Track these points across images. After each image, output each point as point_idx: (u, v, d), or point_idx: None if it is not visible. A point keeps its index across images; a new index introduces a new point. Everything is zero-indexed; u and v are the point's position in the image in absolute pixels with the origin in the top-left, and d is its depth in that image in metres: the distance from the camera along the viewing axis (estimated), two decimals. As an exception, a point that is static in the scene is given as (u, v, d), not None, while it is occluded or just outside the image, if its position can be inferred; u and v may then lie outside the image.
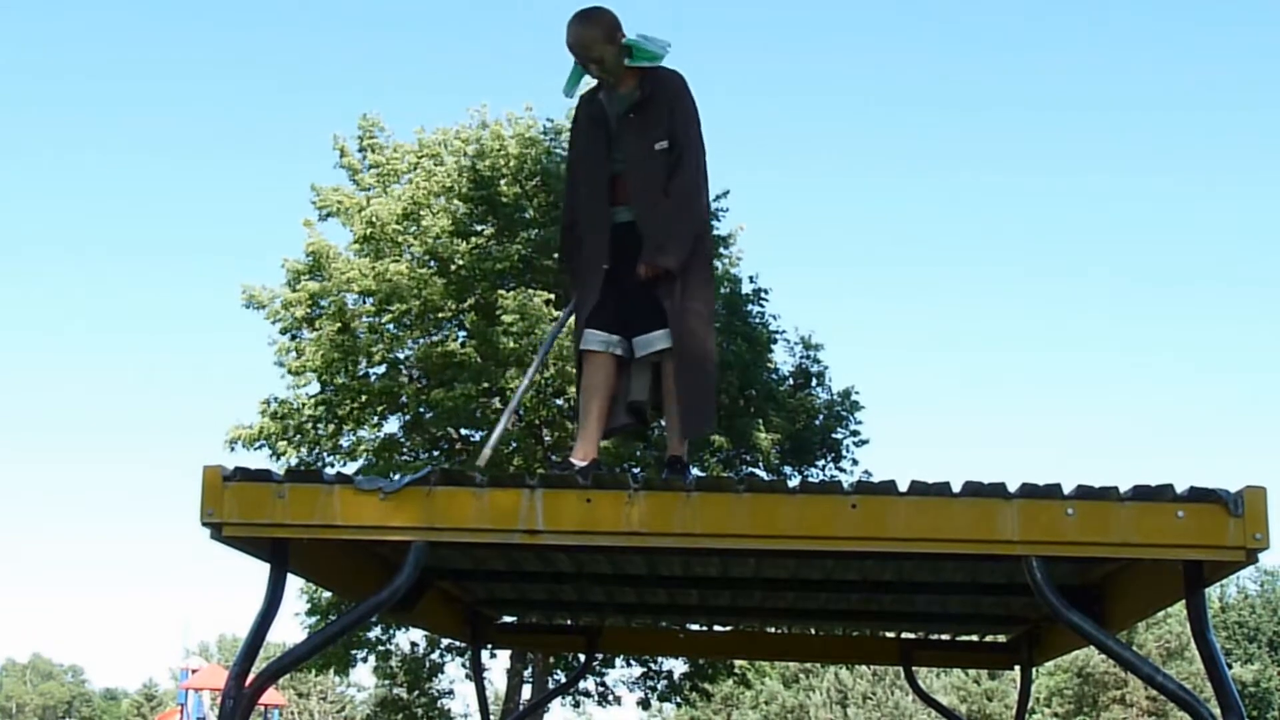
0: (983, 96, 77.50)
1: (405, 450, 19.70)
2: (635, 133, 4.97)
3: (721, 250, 20.02)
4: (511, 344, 17.62)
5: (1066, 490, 3.78)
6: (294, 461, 18.83)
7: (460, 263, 18.73)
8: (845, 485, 3.92)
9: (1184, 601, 3.94)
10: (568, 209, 5.35)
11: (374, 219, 18.78)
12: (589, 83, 5.20)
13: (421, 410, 19.02)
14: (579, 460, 4.83)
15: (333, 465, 19.08)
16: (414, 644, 22.21)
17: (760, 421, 18.97)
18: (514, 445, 18.59)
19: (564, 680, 19.98)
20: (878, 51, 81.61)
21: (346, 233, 19.45)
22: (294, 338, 19.37)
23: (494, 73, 76.05)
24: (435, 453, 19.72)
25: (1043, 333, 78.29)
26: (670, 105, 4.97)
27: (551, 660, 19.74)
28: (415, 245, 19.02)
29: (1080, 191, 74.78)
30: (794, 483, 4.03)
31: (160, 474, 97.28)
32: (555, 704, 32.98)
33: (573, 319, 5.24)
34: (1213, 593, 44.96)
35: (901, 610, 6.18)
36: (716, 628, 7.50)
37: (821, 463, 20.56)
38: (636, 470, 16.00)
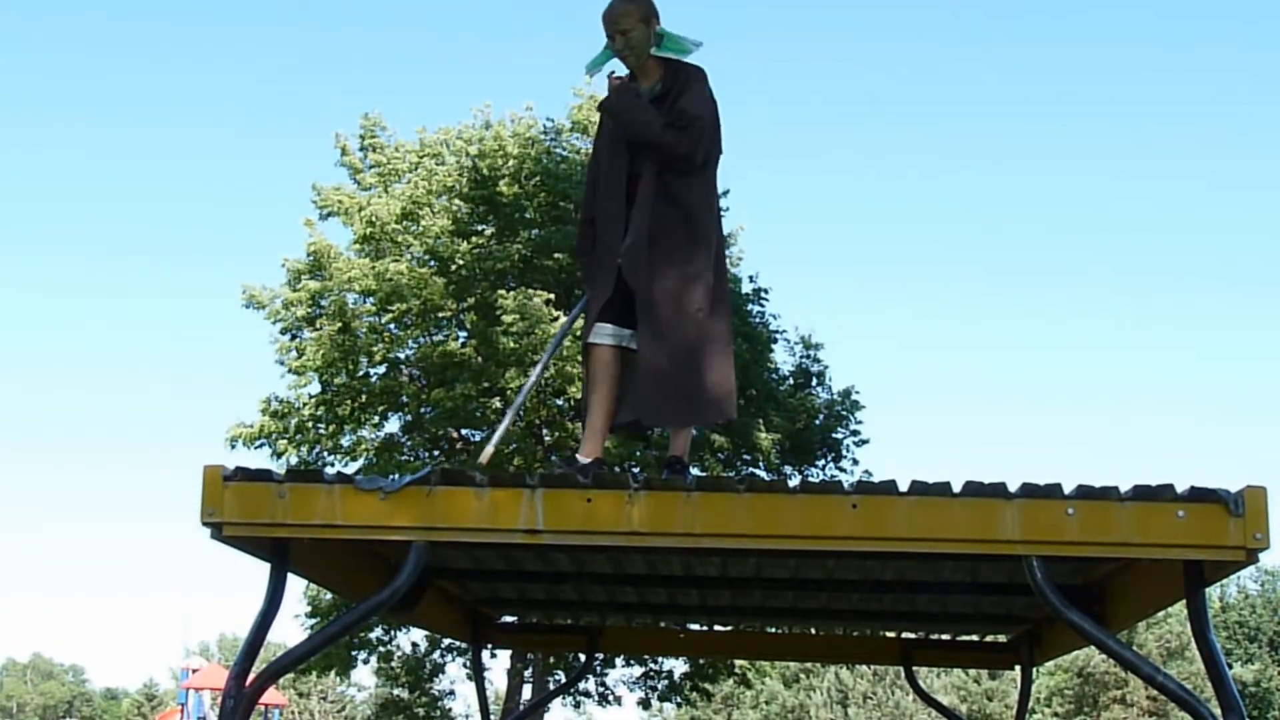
0: (983, 96, 77.55)
1: (405, 450, 19.71)
2: None
3: (722, 250, 20.00)
4: (512, 344, 17.62)
5: (1067, 490, 3.78)
6: (294, 461, 18.85)
7: (460, 262, 18.74)
8: (846, 485, 3.92)
9: (1184, 601, 3.94)
10: (587, 203, 5.30)
11: (374, 219, 18.79)
12: (612, 66, 5.17)
13: (422, 410, 19.04)
14: (584, 458, 4.83)
15: (333, 465, 19.09)
16: (415, 644, 22.24)
17: (760, 421, 18.98)
18: (514, 445, 18.59)
19: (564, 680, 19.98)
20: (878, 51, 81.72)
21: (347, 232, 19.49)
22: (294, 337, 19.38)
23: (496, 72, 76.10)
24: (435, 452, 19.73)
25: (1043, 333, 78.33)
26: (681, 90, 4.97)
27: (552, 660, 19.74)
28: (416, 245, 19.03)
29: (1081, 190, 74.85)
30: (794, 482, 4.03)
31: (160, 474, 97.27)
32: (556, 704, 33.03)
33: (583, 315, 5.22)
34: (1213, 592, 44.99)
35: (902, 610, 6.18)
36: (717, 627, 7.50)
37: (822, 462, 20.58)
38: (637, 470, 16.00)
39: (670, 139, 4.88)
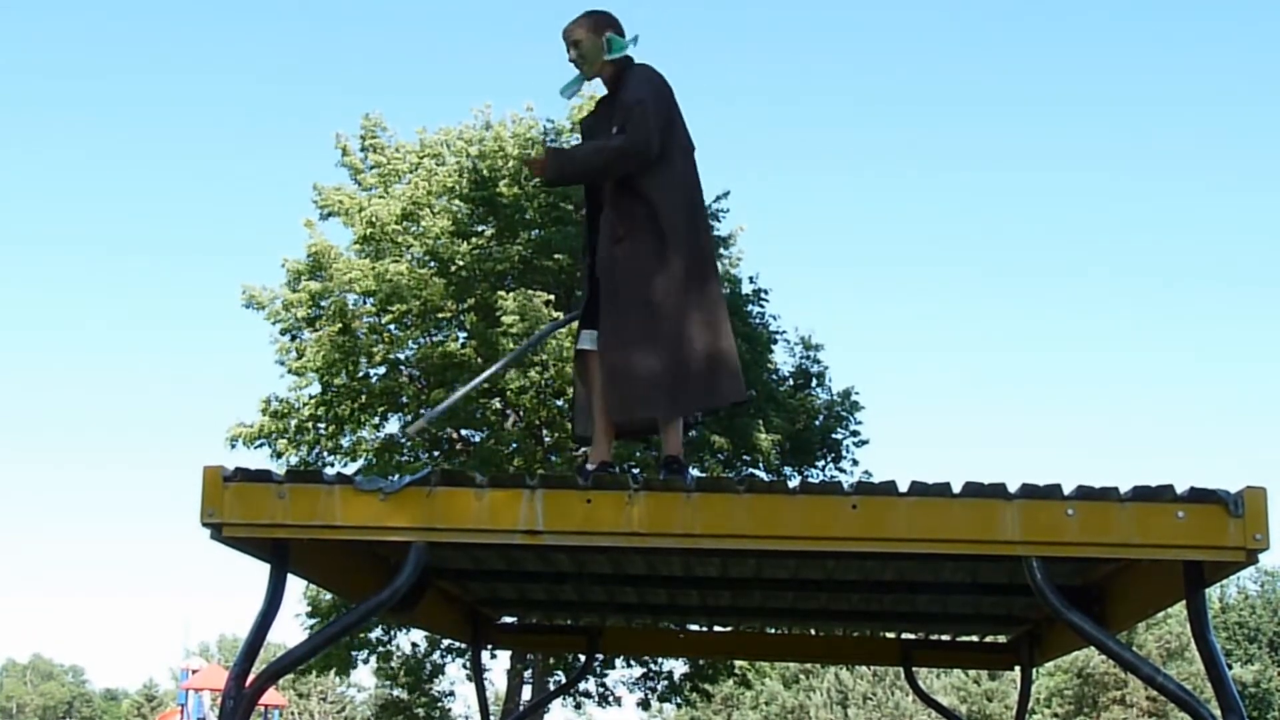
0: (983, 97, 77.52)
1: (405, 450, 19.71)
2: (602, 129, 5.06)
3: (722, 251, 20.01)
4: (511, 345, 17.62)
5: (1066, 490, 3.78)
6: (294, 461, 18.86)
7: (460, 263, 18.74)
8: (845, 486, 3.93)
9: (1184, 602, 3.94)
10: (587, 208, 5.39)
11: (374, 219, 18.80)
12: (592, 89, 5.28)
13: (422, 411, 19.03)
14: (592, 464, 4.84)
15: (333, 465, 19.10)
16: (415, 645, 22.23)
17: (760, 422, 18.97)
18: (514, 446, 18.60)
19: (564, 680, 19.99)
20: (876, 52, 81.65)
21: (347, 233, 19.50)
22: (295, 338, 19.39)
23: (496, 72, 76.02)
24: (435, 453, 19.73)
25: (1043, 333, 78.24)
26: (622, 88, 5.03)
27: (552, 661, 19.75)
28: (416, 245, 19.04)
29: (1080, 191, 74.79)
30: (794, 483, 4.03)
31: (160, 474, 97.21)
32: (555, 704, 33.00)
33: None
34: (1213, 593, 44.97)
35: (902, 610, 6.18)
36: (717, 628, 7.51)
37: (822, 463, 20.57)
38: (636, 470, 16.00)
39: (617, 143, 4.88)
